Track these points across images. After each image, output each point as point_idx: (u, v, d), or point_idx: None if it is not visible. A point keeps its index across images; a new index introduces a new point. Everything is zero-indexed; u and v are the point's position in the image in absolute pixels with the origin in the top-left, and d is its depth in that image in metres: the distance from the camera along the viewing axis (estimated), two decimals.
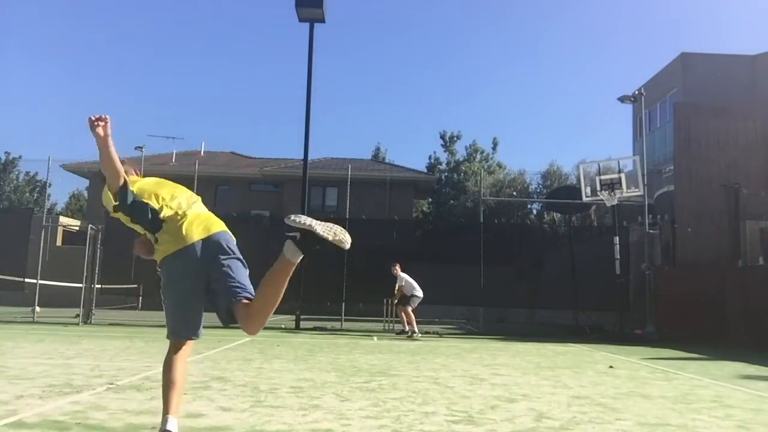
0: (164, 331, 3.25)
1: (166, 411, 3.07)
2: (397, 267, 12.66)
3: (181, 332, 3.22)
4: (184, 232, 3.16)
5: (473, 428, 3.82)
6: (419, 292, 12.51)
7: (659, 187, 20.55)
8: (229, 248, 3.25)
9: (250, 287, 3.19)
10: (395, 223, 17.05)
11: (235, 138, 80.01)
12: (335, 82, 66.89)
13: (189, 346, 3.26)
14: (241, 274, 3.23)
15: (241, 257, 3.30)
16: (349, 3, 61.65)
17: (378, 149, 47.00)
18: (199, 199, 3.52)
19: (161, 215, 3.21)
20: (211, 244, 3.20)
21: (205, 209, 3.45)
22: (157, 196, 3.28)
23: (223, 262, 3.19)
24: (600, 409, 4.61)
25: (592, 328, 13.91)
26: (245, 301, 3.09)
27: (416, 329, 12.39)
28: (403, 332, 12.55)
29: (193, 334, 3.24)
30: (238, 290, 3.13)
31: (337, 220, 18.06)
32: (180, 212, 3.23)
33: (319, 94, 65.48)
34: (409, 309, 12.46)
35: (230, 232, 3.35)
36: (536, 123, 71.07)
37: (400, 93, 72.64)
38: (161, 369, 3.20)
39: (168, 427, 3.01)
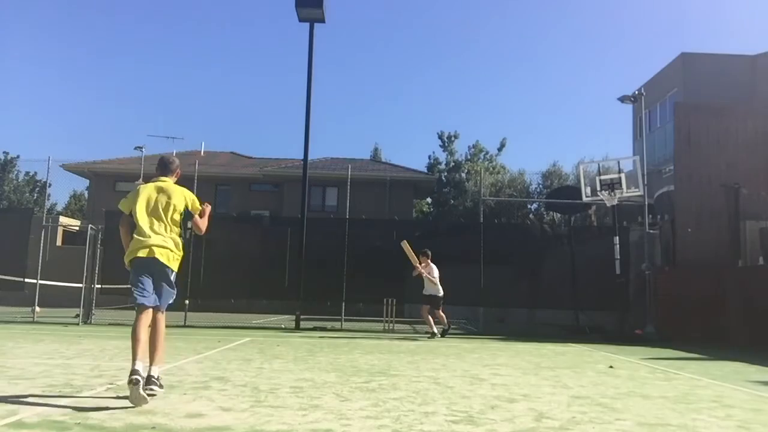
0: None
1: (134, 360, 4.28)
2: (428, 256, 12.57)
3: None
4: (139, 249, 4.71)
5: (473, 428, 3.82)
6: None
7: (659, 187, 20.56)
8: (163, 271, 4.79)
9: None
10: (395, 223, 17.04)
11: (235, 138, 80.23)
12: (334, 82, 66.96)
13: (149, 315, 4.59)
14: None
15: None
16: (350, 3, 61.65)
17: (376, 150, 46.98)
18: (177, 225, 4.87)
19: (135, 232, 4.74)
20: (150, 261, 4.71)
21: (167, 240, 4.76)
22: (144, 217, 4.77)
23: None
24: (600, 409, 4.61)
25: (592, 328, 13.89)
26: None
27: (436, 330, 12.46)
28: (442, 332, 12.47)
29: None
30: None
31: (337, 220, 18.13)
32: (142, 238, 4.69)
33: (319, 94, 65.52)
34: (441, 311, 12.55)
35: (166, 261, 4.76)
36: (536, 123, 71.22)
37: (399, 93, 72.75)
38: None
39: (137, 367, 4.21)
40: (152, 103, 72.13)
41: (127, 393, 4.15)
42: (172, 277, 4.82)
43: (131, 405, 4.11)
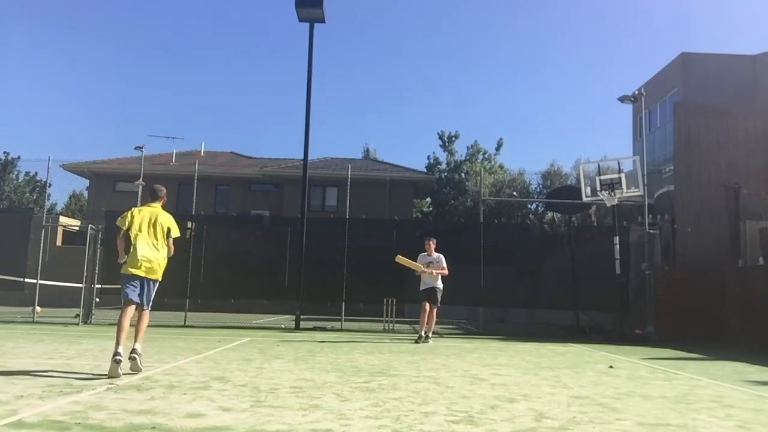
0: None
1: (117, 345, 5.55)
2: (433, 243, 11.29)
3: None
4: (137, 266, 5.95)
5: (473, 428, 3.82)
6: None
7: (659, 187, 20.54)
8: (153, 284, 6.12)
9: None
10: (395, 223, 17.03)
11: (235, 138, 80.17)
12: (334, 82, 66.95)
13: (133, 309, 5.94)
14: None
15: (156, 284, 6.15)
16: (350, 3, 61.65)
17: (368, 151, 46.75)
18: (166, 243, 6.12)
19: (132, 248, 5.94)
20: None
21: (159, 253, 6.07)
22: (139, 236, 5.98)
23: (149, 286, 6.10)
24: (600, 409, 4.61)
25: (592, 328, 13.89)
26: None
27: (422, 333, 11.11)
28: (427, 337, 11.07)
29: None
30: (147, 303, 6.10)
31: (337, 220, 18.07)
32: (140, 257, 5.92)
33: (319, 93, 65.54)
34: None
35: (156, 275, 6.09)
36: (536, 123, 71.21)
37: (398, 93, 72.73)
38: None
39: (119, 350, 5.50)
40: (152, 103, 72.14)
41: (127, 393, 4.17)
42: (157, 283, 6.14)
43: (131, 405, 4.11)
